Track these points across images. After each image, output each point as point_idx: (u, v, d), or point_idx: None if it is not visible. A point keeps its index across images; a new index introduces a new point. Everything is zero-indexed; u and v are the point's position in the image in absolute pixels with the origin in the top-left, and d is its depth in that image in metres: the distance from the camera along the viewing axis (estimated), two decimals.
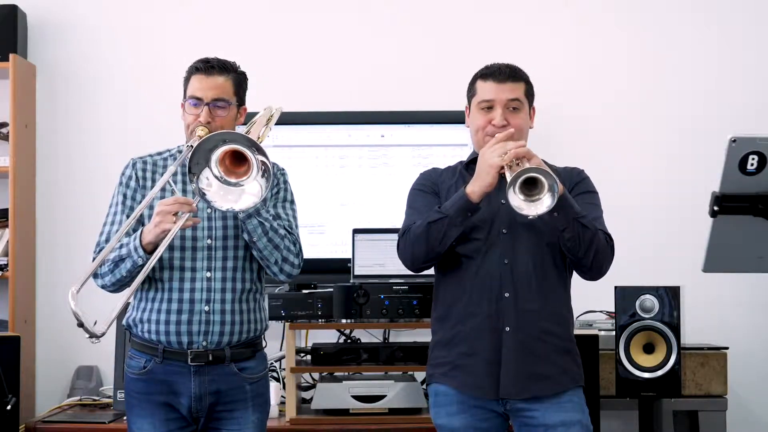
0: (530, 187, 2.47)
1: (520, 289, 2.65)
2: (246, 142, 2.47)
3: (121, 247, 2.62)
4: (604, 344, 3.46)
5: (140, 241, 2.58)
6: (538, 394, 2.64)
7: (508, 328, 2.64)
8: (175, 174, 2.72)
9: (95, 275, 2.67)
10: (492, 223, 2.69)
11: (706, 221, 2.47)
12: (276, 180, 2.80)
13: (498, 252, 2.67)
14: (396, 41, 4.18)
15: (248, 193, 2.51)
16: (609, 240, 2.69)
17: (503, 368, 2.63)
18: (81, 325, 2.32)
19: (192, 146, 2.53)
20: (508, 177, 2.49)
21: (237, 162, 2.52)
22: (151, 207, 2.68)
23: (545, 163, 2.63)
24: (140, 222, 2.68)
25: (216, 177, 2.51)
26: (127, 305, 2.69)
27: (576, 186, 2.77)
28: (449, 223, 2.60)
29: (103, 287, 2.70)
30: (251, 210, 2.61)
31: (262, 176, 2.48)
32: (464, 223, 2.62)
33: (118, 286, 2.68)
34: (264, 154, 2.47)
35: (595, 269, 2.68)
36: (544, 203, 2.46)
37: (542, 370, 2.64)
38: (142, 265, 2.57)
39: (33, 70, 4.12)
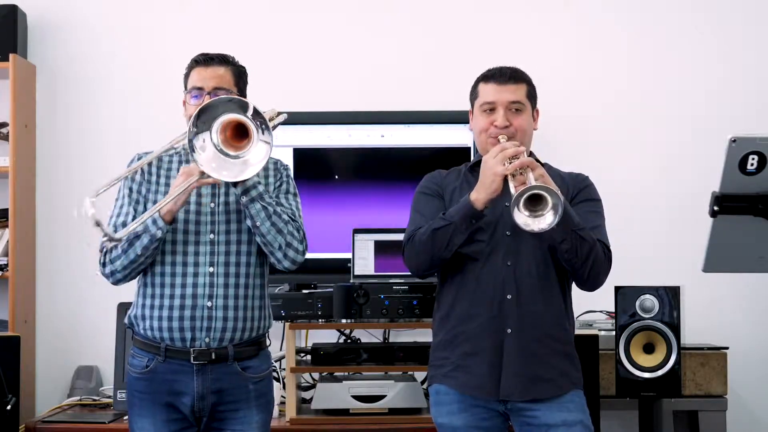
0: (534, 203, 2.47)
1: (522, 292, 2.65)
2: (248, 116, 2.48)
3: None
4: (604, 344, 3.46)
5: (159, 212, 2.59)
6: (539, 396, 2.64)
7: (509, 330, 2.64)
8: (173, 154, 2.76)
9: (103, 263, 2.68)
10: (496, 226, 2.69)
11: (706, 221, 2.47)
12: (279, 174, 2.82)
13: (501, 254, 2.67)
14: (396, 41, 4.18)
15: (252, 163, 2.51)
16: (606, 251, 2.69)
17: (504, 370, 2.63)
18: (98, 224, 2.35)
19: (197, 114, 2.53)
20: (512, 190, 2.49)
21: (238, 136, 2.53)
22: (154, 201, 2.71)
23: (550, 167, 2.63)
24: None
25: (214, 144, 2.51)
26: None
27: (580, 192, 2.76)
28: (454, 230, 2.60)
29: (112, 273, 2.68)
30: (249, 182, 2.61)
31: (264, 133, 2.48)
32: (469, 229, 2.61)
33: (129, 271, 2.67)
34: (265, 122, 2.48)
35: (590, 281, 2.69)
36: (546, 220, 2.46)
37: (543, 373, 2.65)
38: (159, 240, 2.60)
39: (33, 70, 4.12)
